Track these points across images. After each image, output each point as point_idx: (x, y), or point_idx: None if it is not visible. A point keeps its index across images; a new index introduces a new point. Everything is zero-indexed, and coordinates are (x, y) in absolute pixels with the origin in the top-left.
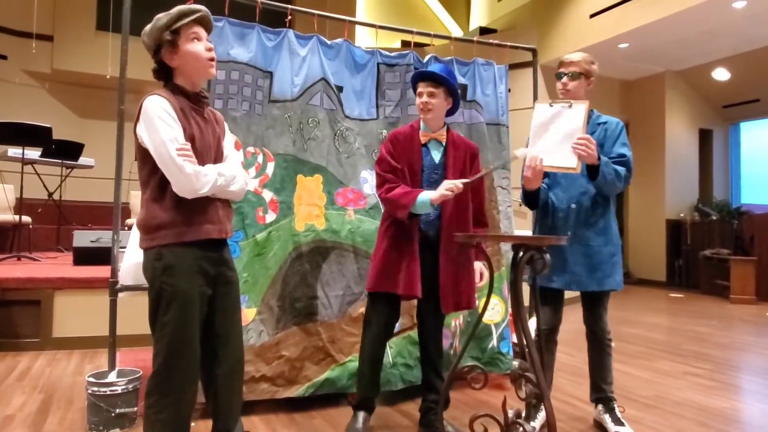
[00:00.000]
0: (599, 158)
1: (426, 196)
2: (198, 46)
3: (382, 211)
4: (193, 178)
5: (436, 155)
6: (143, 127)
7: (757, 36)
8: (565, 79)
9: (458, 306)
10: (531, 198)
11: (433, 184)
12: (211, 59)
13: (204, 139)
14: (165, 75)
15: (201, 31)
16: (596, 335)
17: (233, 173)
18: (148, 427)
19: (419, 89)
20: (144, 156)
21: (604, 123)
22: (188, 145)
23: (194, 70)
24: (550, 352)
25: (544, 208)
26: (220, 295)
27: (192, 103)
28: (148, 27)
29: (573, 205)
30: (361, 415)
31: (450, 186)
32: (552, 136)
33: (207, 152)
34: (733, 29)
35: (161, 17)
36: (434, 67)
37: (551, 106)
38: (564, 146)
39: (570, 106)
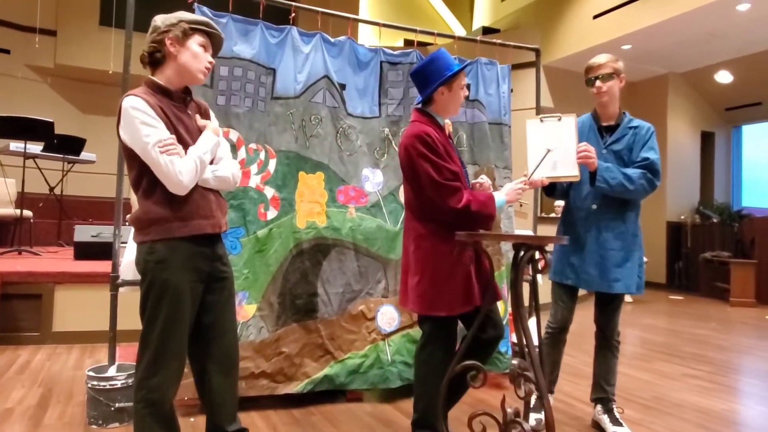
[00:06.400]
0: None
1: (501, 198)
2: (202, 51)
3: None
4: (181, 176)
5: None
6: (125, 129)
7: (760, 39)
8: (598, 82)
9: None
10: (547, 189)
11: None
12: (207, 68)
13: (190, 134)
14: (152, 62)
15: (209, 46)
16: (605, 336)
17: (206, 148)
18: (138, 421)
19: (465, 81)
20: (130, 156)
21: (635, 127)
22: (171, 139)
23: (186, 67)
24: (558, 351)
25: (568, 206)
26: (213, 290)
27: (173, 101)
28: (166, 15)
29: (594, 206)
30: None
31: (521, 185)
32: (550, 152)
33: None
34: (737, 32)
35: (187, 13)
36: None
37: (542, 122)
38: (562, 158)
39: (559, 119)
